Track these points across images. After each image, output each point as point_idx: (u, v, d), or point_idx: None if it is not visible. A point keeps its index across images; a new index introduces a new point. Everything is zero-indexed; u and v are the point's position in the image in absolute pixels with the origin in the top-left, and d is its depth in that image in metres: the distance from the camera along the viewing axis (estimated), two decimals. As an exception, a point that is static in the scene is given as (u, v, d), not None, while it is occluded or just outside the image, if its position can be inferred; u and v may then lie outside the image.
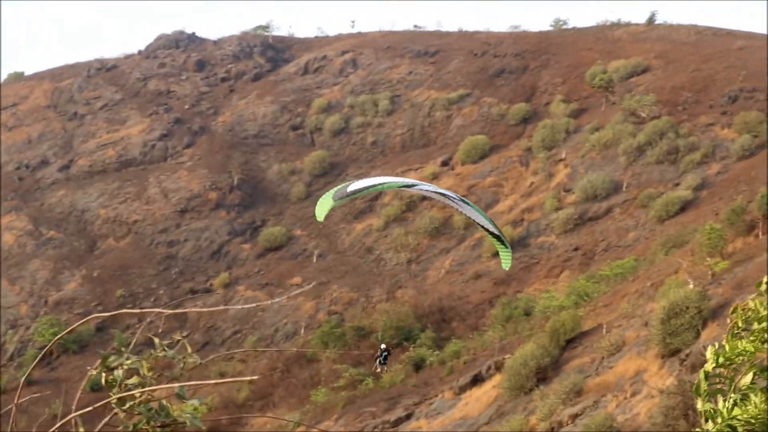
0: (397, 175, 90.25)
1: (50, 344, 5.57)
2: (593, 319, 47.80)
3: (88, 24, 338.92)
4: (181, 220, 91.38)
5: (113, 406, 4.34)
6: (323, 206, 22.36)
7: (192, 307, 75.83)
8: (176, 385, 4.43)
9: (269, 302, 5.50)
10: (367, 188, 24.07)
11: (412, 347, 60.65)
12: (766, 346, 5.00)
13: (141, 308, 79.90)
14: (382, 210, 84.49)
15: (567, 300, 56.35)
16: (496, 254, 73.70)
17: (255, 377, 5.32)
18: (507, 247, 24.67)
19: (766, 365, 4.86)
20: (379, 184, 24.45)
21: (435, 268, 77.37)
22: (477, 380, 45.54)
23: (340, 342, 65.43)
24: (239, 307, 5.47)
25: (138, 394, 4.32)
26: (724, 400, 4.83)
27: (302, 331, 72.56)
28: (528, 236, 75.26)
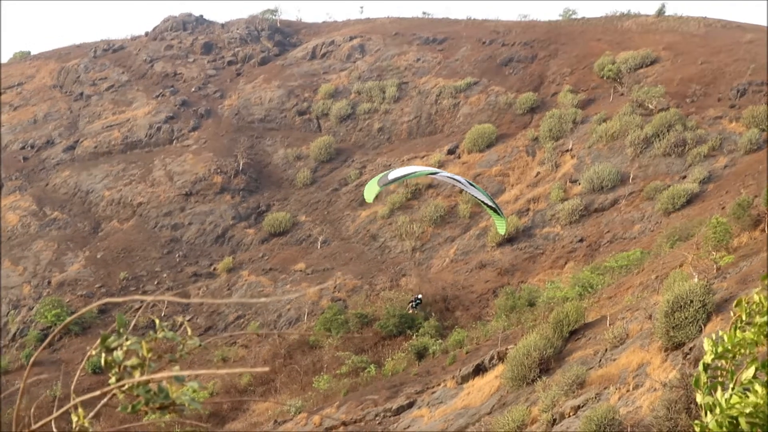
0: (403, 162, 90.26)
1: (57, 330, 5.59)
2: (597, 311, 47.74)
3: (94, 4, 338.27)
4: (185, 203, 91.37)
5: (111, 385, 4.32)
6: (371, 191, 26.06)
7: (195, 297, 75.83)
8: (180, 373, 4.41)
9: (271, 299, 5.49)
10: (404, 176, 27.77)
11: (415, 336, 60.62)
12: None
13: (144, 291, 80.00)
14: (387, 197, 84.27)
15: (571, 291, 56.21)
16: (501, 244, 73.85)
17: (265, 369, 5.31)
18: (502, 216, 28.19)
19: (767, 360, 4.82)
20: (412, 172, 27.94)
21: (439, 257, 77.27)
22: (479, 370, 45.48)
23: (343, 329, 65.40)
24: (240, 300, 5.45)
25: (138, 375, 4.30)
26: (723, 392, 4.80)
27: (305, 317, 72.51)
28: (533, 226, 75.12)
